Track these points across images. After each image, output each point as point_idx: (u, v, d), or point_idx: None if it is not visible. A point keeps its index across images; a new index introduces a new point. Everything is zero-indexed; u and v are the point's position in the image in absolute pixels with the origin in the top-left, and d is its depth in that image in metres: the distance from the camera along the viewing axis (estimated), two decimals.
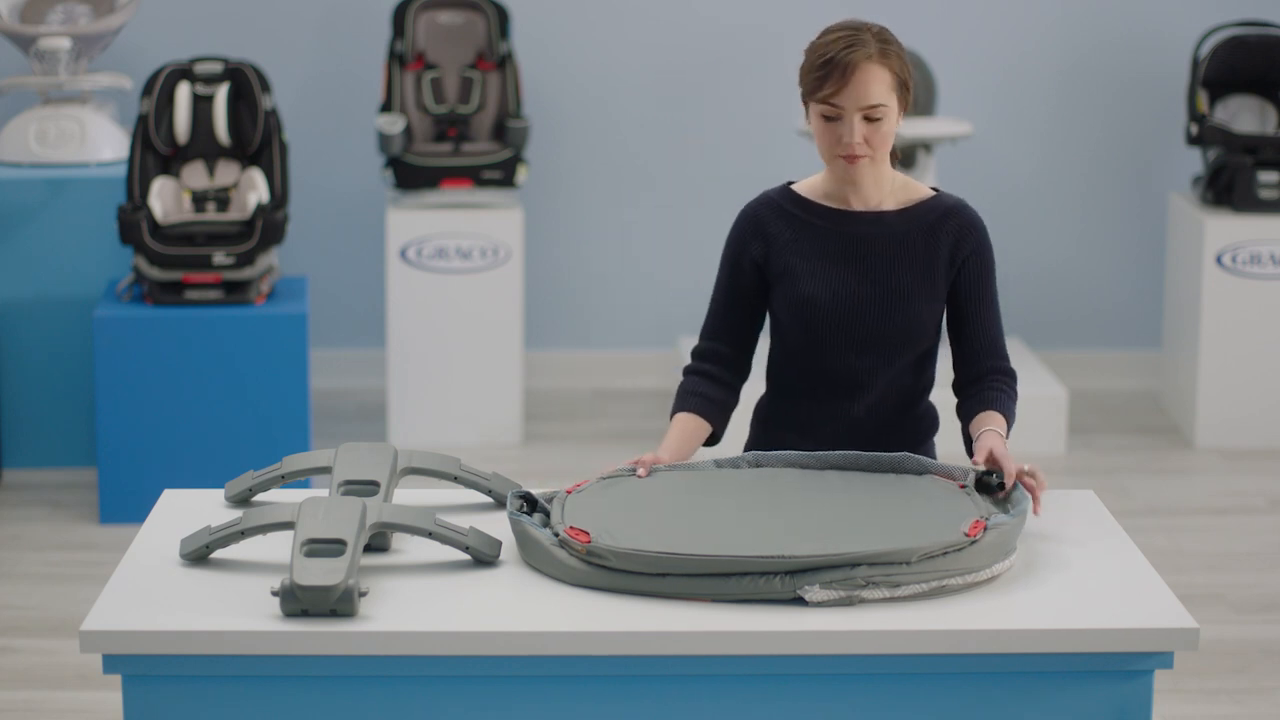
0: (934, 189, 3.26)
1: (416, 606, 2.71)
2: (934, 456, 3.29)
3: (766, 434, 3.29)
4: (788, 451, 3.12)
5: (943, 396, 3.33)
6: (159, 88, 5.57)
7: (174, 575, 2.82)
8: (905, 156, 6.08)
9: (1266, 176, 6.09)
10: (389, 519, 2.82)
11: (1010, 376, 3.25)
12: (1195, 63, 6.22)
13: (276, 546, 2.91)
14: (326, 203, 6.61)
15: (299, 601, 2.65)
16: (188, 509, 3.09)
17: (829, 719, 2.71)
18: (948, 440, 3.33)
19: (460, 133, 6.08)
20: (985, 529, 2.81)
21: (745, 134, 6.62)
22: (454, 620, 2.67)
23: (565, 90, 6.57)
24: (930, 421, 3.30)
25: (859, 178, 3.15)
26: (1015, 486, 2.99)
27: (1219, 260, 6.09)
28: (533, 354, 6.62)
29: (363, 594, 2.68)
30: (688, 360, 3.30)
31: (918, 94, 6.25)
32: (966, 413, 3.23)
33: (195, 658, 2.63)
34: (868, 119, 3.09)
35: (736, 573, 2.71)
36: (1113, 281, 6.79)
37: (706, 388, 3.22)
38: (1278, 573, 5.11)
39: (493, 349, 6.05)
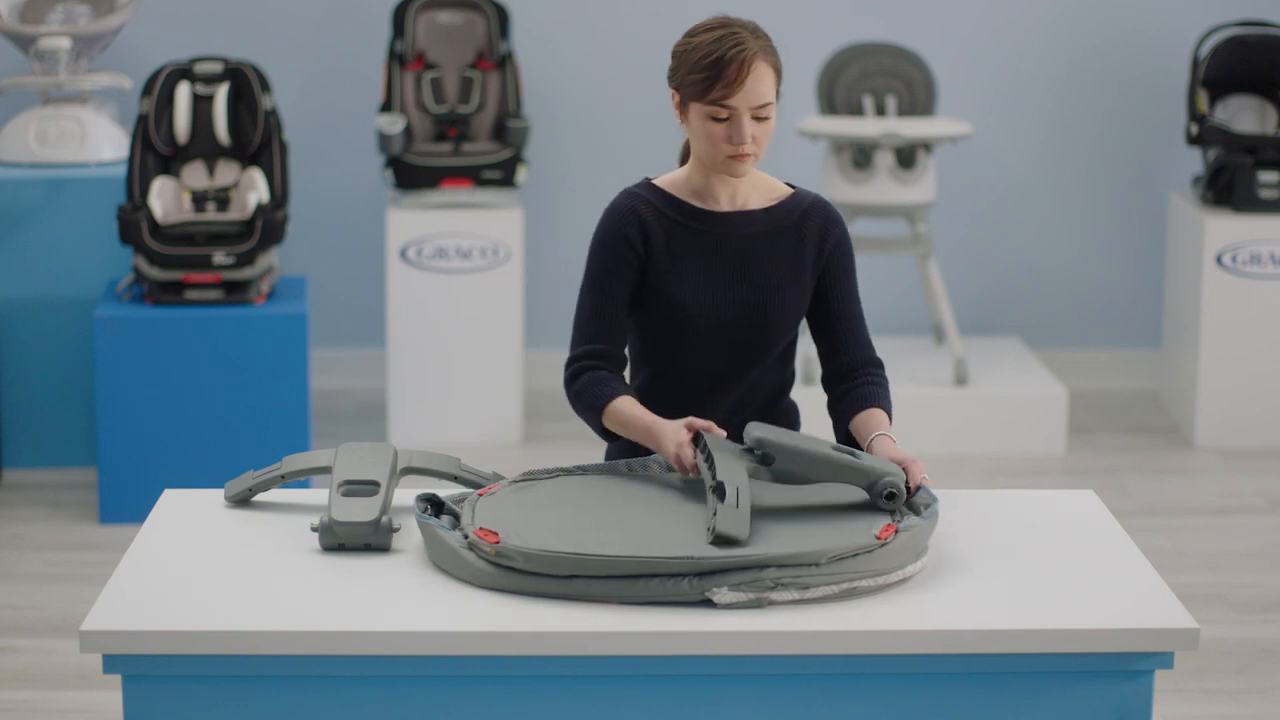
0: (790, 185, 3.24)
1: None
2: None
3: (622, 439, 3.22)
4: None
5: (805, 393, 3.32)
6: (159, 88, 5.58)
7: (174, 575, 2.82)
8: (905, 156, 6.08)
9: (1266, 176, 6.10)
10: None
11: (879, 367, 3.23)
12: (1195, 63, 6.22)
13: (275, 547, 2.91)
14: (326, 203, 6.61)
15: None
16: (188, 509, 3.09)
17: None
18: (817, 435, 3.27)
19: (460, 133, 6.08)
20: (897, 532, 2.81)
21: None
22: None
23: (565, 90, 6.57)
24: (792, 418, 3.28)
25: (741, 175, 3.12)
26: (920, 486, 2.97)
27: (1219, 260, 6.09)
28: (533, 354, 6.62)
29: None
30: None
31: (917, 94, 6.25)
32: (844, 410, 3.19)
33: (195, 658, 2.64)
34: (756, 118, 3.06)
35: (644, 574, 2.70)
36: (1113, 281, 6.79)
37: (615, 379, 3.12)
38: (1278, 573, 5.11)
39: (493, 349, 6.06)
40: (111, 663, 2.65)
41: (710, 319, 3.15)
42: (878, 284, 6.70)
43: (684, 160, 3.28)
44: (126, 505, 5.34)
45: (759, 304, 3.15)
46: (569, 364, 3.16)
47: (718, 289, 3.15)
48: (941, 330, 6.41)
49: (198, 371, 5.37)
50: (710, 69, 3.05)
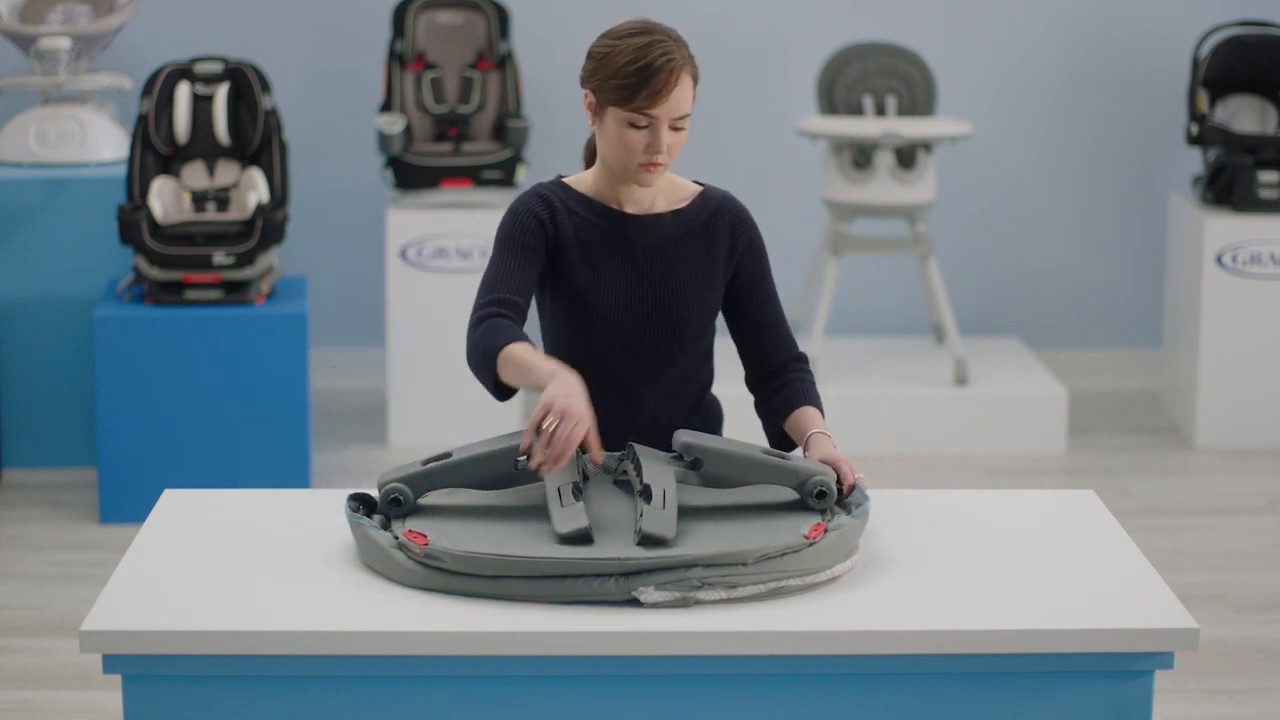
0: (698, 183, 3.22)
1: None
2: None
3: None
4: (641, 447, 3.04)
5: (730, 390, 3.33)
6: (159, 88, 5.58)
7: (174, 575, 2.82)
8: (905, 156, 6.08)
9: (1266, 176, 6.10)
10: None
11: (804, 362, 3.21)
12: (1195, 63, 6.22)
13: (274, 548, 2.91)
14: (326, 203, 6.61)
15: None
16: (188, 509, 3.09)
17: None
18: (746, 436, 3.25)
19: (460, 133, 6.09)
20: (826, 531, 2.81)
21: (745, 133, 6.62)
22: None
23: (565, 90, 6.57)
24: (715, 415, 3.27)
25: (649, 185, 3.10)
26: (854, 486, 2.96)
27: (1219, 260, 6.09)
28: None
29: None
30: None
31: (917, 94, 6.25)
32: (773, 411, 3.18)
33: (195, 658, 2.64)
34: (673, 128, 3.04)
35: (571, 575, 2.70)
36: (1113, 281, 6.79)
37: (515, 327, 3.01)
38: (1278, 573, 5.11)
39: None
40: (111, 663, 2.65)
41: (622, 323, 3.13)
42: (878, 284, 6.70)
43: (589, 161, 3.25)
44: (126, 505, 5.33)
45: (669, 309, 3.13)
46: (471, 319, 3.04)
47: (628, 294, 3.13)
48: (941, 330, 6.41)
49: (198, 371, 5.37)
50: (636, 76, 3.01)
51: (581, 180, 3.19)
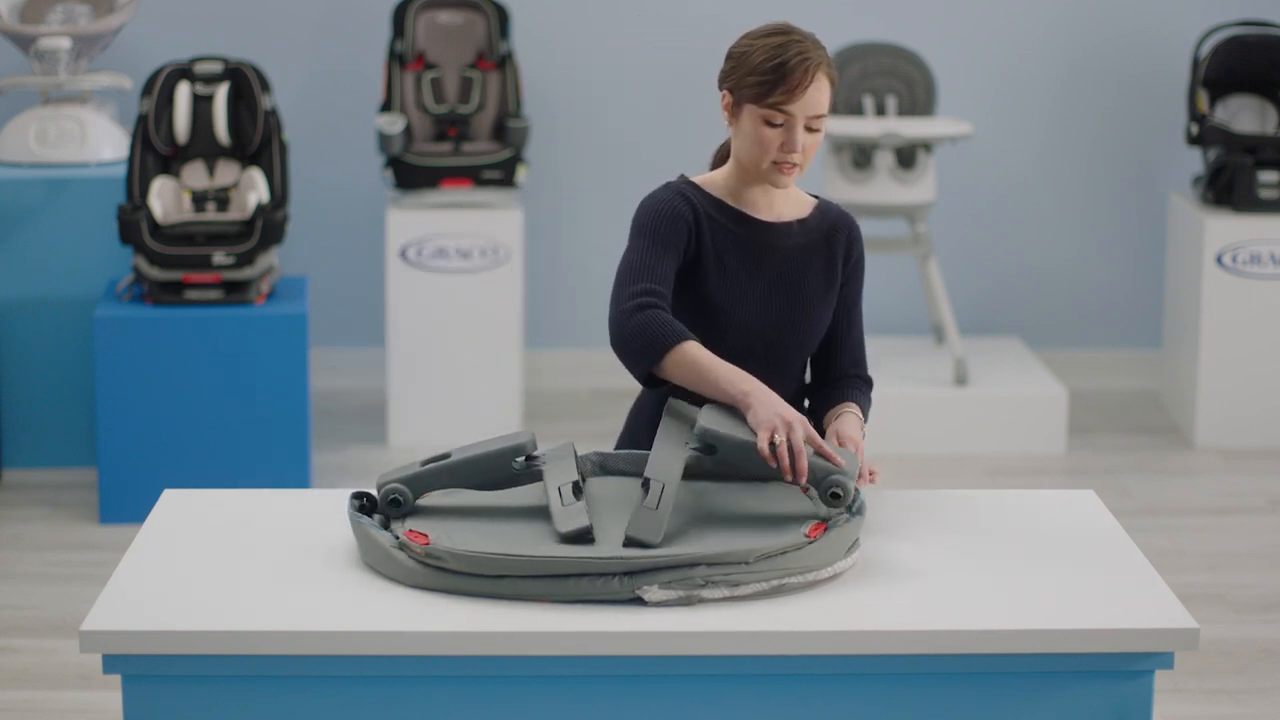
0: (814, 195, 3.23)
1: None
2: None
3: (648, 436, 3.16)
4: (633, 452, 3.06)
5: None
6: (159, 88, 5.58)
7: (174, 575, 2.82)
8: (905, 156, 6.09)
9: (1266, 176, 6.10)
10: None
11: (868, 384, 3.25)
12: (1195, 63, 6.22)
13: (274, 548, 2.91)
14: (326, 203, 6.61)
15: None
16: (188, 509, 3.09)
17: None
18: None
19: (460, 133, 6.09)
20: (826, 530, 2.82)
21: None
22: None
23: (565, 90, 6.57)
24: (810, 417, 3.27)
25: (784, 187, 3.11)
26: (857, 492, 2.95)
27: (1219, 260, 6.10)
28: (533, 354, 6.62)
29: None
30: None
31: (917, 94, 6.25)
32: (821, 409, 3.22)
33: (195, 658, 2.64)
34: (809, 129, 3.05)
35: (574, 574, 2.71)
36: (1113, 281, 6.79)
37: (683, 327, 3.01)
38: (1278, 573, 5.11)
39: (493, 349, 6.06)
40: (111, 663, 2.65)
41: (748, 329, 3.13)
42: (878, 284, 6.70)
43: (716, 164, 3.26)
44: (126, 505, 5.34)
45: (795, 318, 3.15)
46: (626, 299, 3.01)
47: (759, 300, 3.13)
48: (941, 330, 6.41)
49: (198, 371, 5.37)
50: (773, 73, 3.04)
51: (711, 182, 3.17)
